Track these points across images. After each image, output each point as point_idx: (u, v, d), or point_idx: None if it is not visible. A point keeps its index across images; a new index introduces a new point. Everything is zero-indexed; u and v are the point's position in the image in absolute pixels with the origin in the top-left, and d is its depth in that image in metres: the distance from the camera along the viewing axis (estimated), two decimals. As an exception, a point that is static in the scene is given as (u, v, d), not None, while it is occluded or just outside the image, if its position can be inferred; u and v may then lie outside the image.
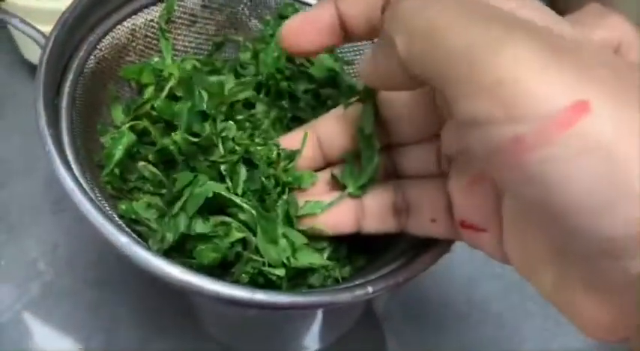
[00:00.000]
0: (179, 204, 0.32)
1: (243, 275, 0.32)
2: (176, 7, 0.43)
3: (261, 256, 0.32)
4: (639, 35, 0.52)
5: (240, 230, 0.32)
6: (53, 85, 0.34)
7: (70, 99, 0.35)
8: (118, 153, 0.35)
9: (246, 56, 0.45)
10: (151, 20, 0.42)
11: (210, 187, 0.32)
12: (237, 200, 0.33)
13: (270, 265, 0.32)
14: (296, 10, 0.45)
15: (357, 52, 0.46)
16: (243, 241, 0.33)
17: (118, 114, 0.41)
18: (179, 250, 0.33)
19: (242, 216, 0.33)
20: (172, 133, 0.34)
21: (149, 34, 0.42)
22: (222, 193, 0.32)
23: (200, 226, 0.32)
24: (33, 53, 0.57)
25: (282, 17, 0.45)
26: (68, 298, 0.47)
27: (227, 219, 0.33)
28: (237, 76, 0.43)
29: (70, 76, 0.36)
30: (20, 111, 0.58)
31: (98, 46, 0.39)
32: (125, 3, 0.40)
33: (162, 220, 0.33)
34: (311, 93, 0.44)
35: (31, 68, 0.59)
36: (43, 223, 0.51)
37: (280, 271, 0.32)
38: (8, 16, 0.35)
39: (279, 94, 0.41)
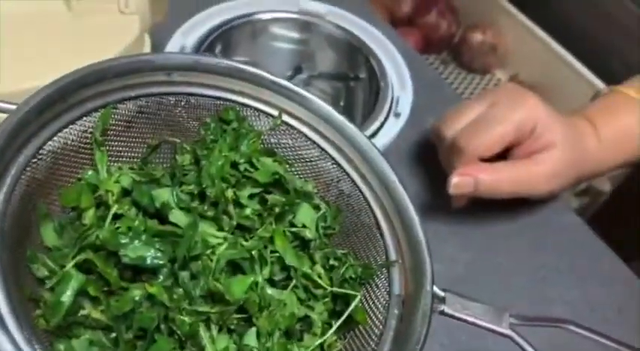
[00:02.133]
0: None
1: None
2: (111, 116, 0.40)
3: None
4: (552, 117, 0.57)
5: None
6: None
7: (0, 235, 0.32)
8: (67, 300, 0.32)
9: (184, 159, 0.43)
10: (84, 131, 0.39)
11: None
12: None
13: None
14: (236, 113, 0.44)
15: (296, 155, 0.45)
16: None
17: (49, 234, 0.38)
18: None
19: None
20: (147, 284, 0.33)
21: (82, 145, 0.39)
22: None
23: None
24: None
25: (223, 121, 0.44)
26: None
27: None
28: (179, 184, 0.41)
29: (-1, 208, 0.33)
30: None
31: (27, 168, 0.35)
32: (54, 118, 0.37)
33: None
34: (257, 198, 0.43)
35: None
36: None
37: None
38: None
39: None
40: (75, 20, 0.54)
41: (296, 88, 0.44)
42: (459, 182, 0.54)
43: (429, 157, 0.64)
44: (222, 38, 0.58)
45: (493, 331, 0.39)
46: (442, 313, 0.39)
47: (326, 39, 0.63)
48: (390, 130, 0.55)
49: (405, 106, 0.57)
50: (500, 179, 0.55)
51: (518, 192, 0.57)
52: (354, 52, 0.62)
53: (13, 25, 0.53)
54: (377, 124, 0.55)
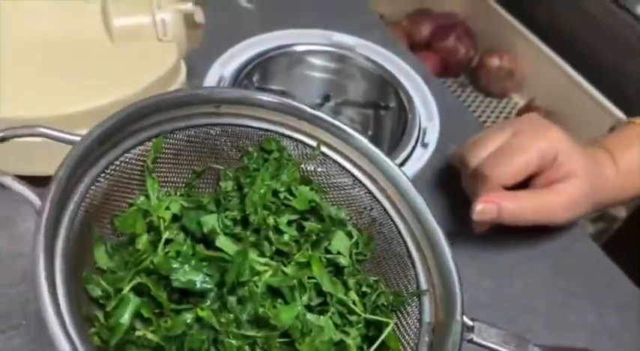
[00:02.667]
0: None
1: None
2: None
3: None
4: (573, 147, 0.59)
5: None
6: (51, 248, 0.33)
7: (64, 257, 0.34)
8: (126, 322, 0.35)
9: (227, 185, 0.46)
10: (137, 159, 0.42)
11: None
12: None
13: None
14: (277, 144, 0.46)
15: (330, 182, 0.48)
16: None
17: (101, 256, 0.40)
18: None
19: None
20: (198, 308, 0.35)
21: (134, 172, 0.42)
22: None
23: None
24: None
25: (264, 150, 0.46)
26: None
27: None
28: (224, 210, 0.43)
29: (62, 233, 0.35)
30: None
31: (87, 195, 0.38)
32: (112, 147, 0.40)
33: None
34: (295, 224, 0.45)
35: None
36: None
37: None
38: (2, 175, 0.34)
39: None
40: (114, 47, 0.57)
41: (334, 121, 0.46)
42: (483, 209, 0.56)
43: (451, 184, 0.66)
44: (258, 68, 0.60)
45: (519, 360, 0.41)
46: (471, 341, 0.41)
47: (357, 70, 0.65)
48: (418, 160, 0.57)
49: (432, 137, 0.59)
50: (522, 207, 0.57)
51: (539, 220, 0.59)
52: (384, 83, 0.64)
53: (55, 50, 0.55)
54: (405, 154, 0.57)
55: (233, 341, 0.35)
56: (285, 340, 0.37)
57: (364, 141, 0.47)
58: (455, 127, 0.74)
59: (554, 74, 1.15)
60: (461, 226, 0.63)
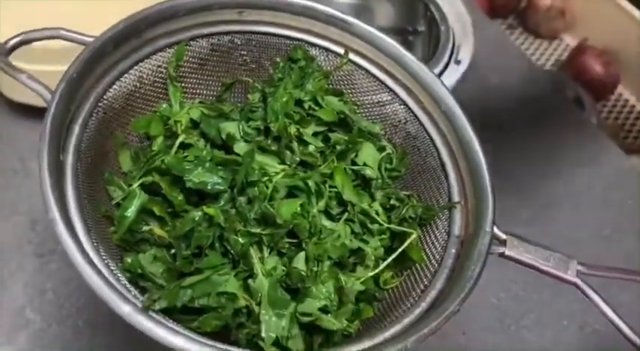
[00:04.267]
0: (191, 280, 0.32)
1: (241, 337, 0.32)
2: (185, 53, 0.42)
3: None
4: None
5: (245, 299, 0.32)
6: (58, 141, 0.34)
7: (76, 154, 0.35)
8: (131, 215, 0.35)
9: (255, 97, 0.45)
10: (159, 66, 0.42)
11: (227, 286, 0.33)
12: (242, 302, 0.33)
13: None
14: (304, 53, 0.44)
15: (365, 97, 0.45)
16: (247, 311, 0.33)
17: (125, 161, 0.41)
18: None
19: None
20: (204, 207, 0.35)
21: (157, 79, 0.42)
22: (236, 293, 0.33)
23: (204, 301, 0.32)
24: (12, 90, 0.56)
25: (291, 60, 0.44)
26: (58, 346, 0.46)
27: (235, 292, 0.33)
28: (247, 120, 0.42)
29: (76, 130, 0.36)
30: (-1, 149, 0.56)
31: (105, 97, 0.38)
32: (131, 52, 0.40)
33: (168, 285, 0.33)
34: (321, 136, 0.43)
35: (10, 104, 0.58)
36: (30, 267, 0.49)
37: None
38: (17, 73, 0.35)
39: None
40: None
41: (365, 26, 0.44)
42: None
43: (483, 103, 0.62)
44: None
45: (557, 277, 0.37)
46: (502, 255, 0.37)
47: None
48: (451, 76, 0.54)
49: (465, 54, 0.55)
50: None
51: None
52: (413, 1, 0.60)
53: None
54: (437, 70, 0.54)
55: (240, 239, 0.35)
56: (294, 240, 0.36)
57: (397, 46, 0.43)
58: (495, 57, 0.70)
59: (608, 11, 1.04)
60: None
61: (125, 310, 0.28)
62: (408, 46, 0.62)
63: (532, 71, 0.75)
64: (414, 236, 0.39)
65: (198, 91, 0.45)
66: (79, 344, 0.46)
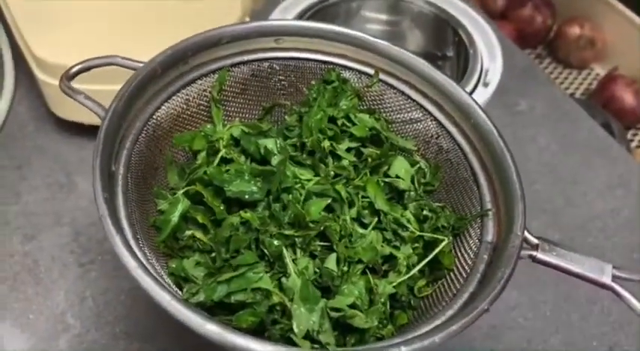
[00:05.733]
0: (227, 275, 0.34)
1: (274, 332, 0.33)
2: (227, 78, 0.46)
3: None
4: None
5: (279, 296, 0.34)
6: (110, 153, 0.37)
7: (126, 166, 0.39)
8: (174, 219, 0.38)
9: (292, 119, 0.47)
10: (204, 90, 0.45)
11: (261, 282, 0.35)
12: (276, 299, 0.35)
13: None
14: (337, 75, 0.47)
15: (397, 114, 0.47)
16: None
17: (173, 177, 0.44)
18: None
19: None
20: (242, 211, 0.38)
21: (202, 102, 0.45)
22: (269, 289, 0.35)
23: (240, 296, 0.34)
24: (60, 107, 0.59)
25: (326, 82, 0.47)
26: (96, 351, 0.48)
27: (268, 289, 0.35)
28: (285, 138, 0.45)
29: (127, 145, 0.39)
30: (46, 164, 0.59)
31: (154, 116, 0.42)
32: (178, 76, 0.43)
33: (206, 279, 0.35)
34: (354, 151, 0.45)
35: (58, 122, 0.61)
36: (71, 275, 0.52)
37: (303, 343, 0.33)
38: (76, 94, 0.40)
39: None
40: (182, 4, 0.61)
41: (395, 47, 0.46)
42: None
43: (512, 126, 0.63)
44: (317, 17, 0.62)
45: (592, 281, 0.37)
46: (534, 259, 0.38)
47: (414, 17, 0.65)
48: (479, 97, 0.55)
49: (494, 77, 0.57)
50: None
51: None
52: (442, 27, 0.63)
53: (128, 5, 0.60)
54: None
55: (274, 241, 0.36)
56: (326, 244, 0.37)
57: (427, 65, 0.45)
58: (524, 83, 0.71)
59: (638, 40, 1.03)
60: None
61: (166, 298, 0.30)
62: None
63: (561, 98, 0.75)
64: (445, 242, 0.40)
65: (240, 114, 0.48)
66: (117, 349, 0.49)
